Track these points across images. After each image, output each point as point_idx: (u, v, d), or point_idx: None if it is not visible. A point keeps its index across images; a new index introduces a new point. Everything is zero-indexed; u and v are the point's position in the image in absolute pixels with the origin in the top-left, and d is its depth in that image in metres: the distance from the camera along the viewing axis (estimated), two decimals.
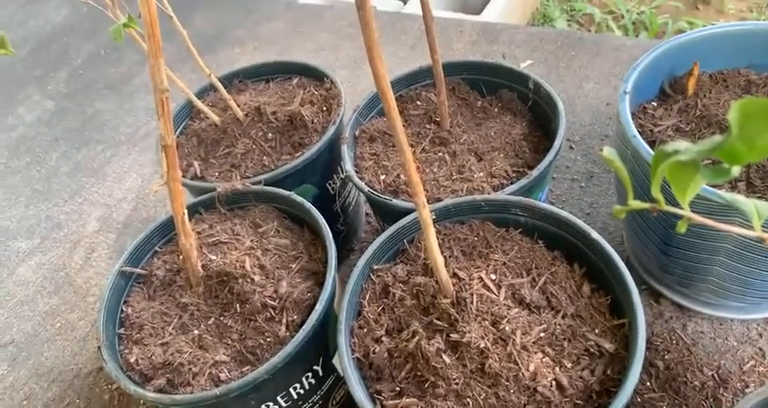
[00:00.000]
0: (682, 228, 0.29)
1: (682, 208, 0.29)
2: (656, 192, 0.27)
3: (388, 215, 0.69)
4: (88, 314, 0.94)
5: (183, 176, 0.79)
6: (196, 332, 0.60)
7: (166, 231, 0.70)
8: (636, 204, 0.27)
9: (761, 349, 0.65)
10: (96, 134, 1.30)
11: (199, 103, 0.81)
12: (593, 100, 1.02)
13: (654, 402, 0.63)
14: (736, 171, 0.26)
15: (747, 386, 0.62)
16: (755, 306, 0.64)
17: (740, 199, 0.31)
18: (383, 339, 0.54)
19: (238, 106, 0.81)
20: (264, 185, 0.70)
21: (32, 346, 0.90)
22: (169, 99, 0.54)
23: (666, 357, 0.65)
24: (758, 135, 0.23)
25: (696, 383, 0.63)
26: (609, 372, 0.47)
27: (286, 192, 0.67)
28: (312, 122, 0.77)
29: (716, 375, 0.63)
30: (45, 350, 0.89)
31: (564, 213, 0.55)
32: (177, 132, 0.86)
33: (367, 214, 0.95)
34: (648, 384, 0.64)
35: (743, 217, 0.50)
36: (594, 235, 0.52)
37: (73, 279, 1.00)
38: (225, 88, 0.82)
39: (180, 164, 0.81)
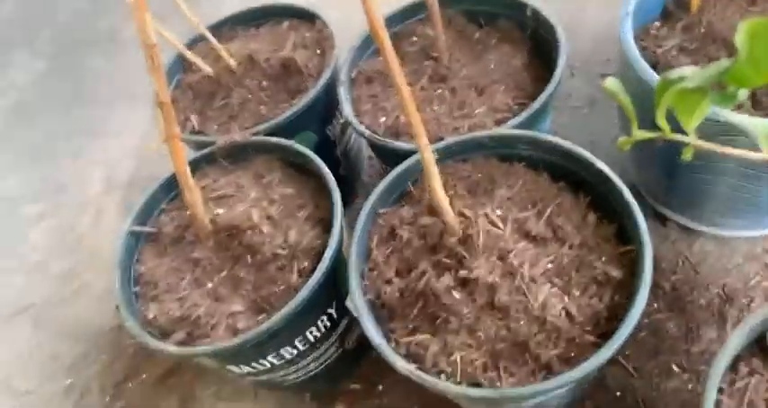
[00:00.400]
0: (687, 155, 0.29)
1: (687, 135, 0.28)
2: (661, 121, 0.26)
3: (390, 157, 0.68)
4: (103, 274, 0.96)
5: (182, 131, 0.78)
6: (210, 285, 0.61)
7: (171, 188, 0.70)
8: (641, 134, 0.27)
9: (766, 264, 0.66)
10: (90, 92, 1.28)
11: (190, 55, 0.79)
12: (596, 23, 0.99)
13: (661, 322, 0.64)
14: (743, 94, 0.25)
15: (752, 301, 0.63)
16: (760, 222, 0.65)
17: (747, 120, 0.30)
18: (393, 280, 0.55)
19: (230, 55, 0.79)
20: (264, 135, 0.70)
21: (52, 308, 0.93)
22: (159, 54, 0.53)
23: (672, 278, 0.67)
24: (766, 56, 0.23)
25: (702, 301, 0.64)
26: (617, 298, 0.48)
27: (287, 142, 0.67)
28: (306, 67, 0.76)
29: (722, 292, 0.64)
30: (65, 311, 0.92)
31: (568, 144, 0.54)
32: (171, 86, 0.85)
33: (369, 157, 0.94)
34: (655, 305, 0.66)
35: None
36: (599, 164, 0.51)
37: (84, 240, 1.01)
38: (215, 37, 0.80)
39: (177, 119, 0.80)
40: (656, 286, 0.67)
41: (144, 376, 0.82)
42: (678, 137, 0.27)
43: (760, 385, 0.40)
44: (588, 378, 0.54)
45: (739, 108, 0.55)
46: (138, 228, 0.67)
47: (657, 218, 0.72)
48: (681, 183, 0.61)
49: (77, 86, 1.30)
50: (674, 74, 0.25)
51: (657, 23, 0.65)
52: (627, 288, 0.48)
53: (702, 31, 0.61)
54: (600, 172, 0.51)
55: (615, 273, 0.48)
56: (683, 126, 0.27)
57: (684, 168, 0.58)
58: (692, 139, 0.27)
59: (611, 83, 0.27)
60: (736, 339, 0.41)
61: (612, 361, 0.64)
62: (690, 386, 0.60)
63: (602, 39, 0.96)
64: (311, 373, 0.66)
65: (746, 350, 0.43)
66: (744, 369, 0.42)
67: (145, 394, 0.81)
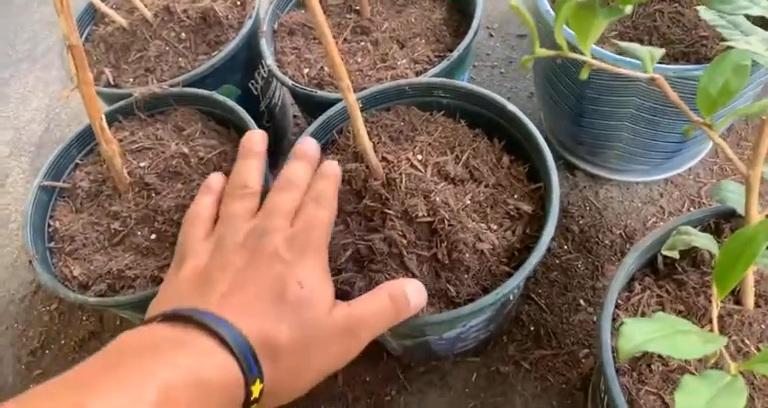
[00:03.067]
0: (584, 74, 0.31)
1: (585, 56, 0.31)
2: (558, 37, 0.29)
3: (314, 109, 0.68)
4: (13, 241, 0.91)
5: (96, 84, 0.74)
6: (132, 238, 0.60)
7: (85, 141, 0.67)
8: (542, 51, 0.29)
9: (662, 207, 0.72)
10: None
11: (102, 5, 0.75)
12: None
13: (571, 262, 0.69)
14: (628, 9, 0.28)
15: None
16: (657, 167, 0.71)
17: (635, 46, 0.33)
18: None
19: (146, 6, 0.76)
20: (183, 87, 0.68)
21: None
22: None
23: (581, 222, 0.72)
24: None
25: (606, 242, 0.70)
26: (528, 231, 0.51)
27: (206, 92, 0.65)
28: (227, 18, 0.74)
29: (623, 233, 0.70)
30: None
31: (482, 89, 0.57)
32: (82, 39, 0.80)
33: (295, 116, 0.94)
34: (565, 247, 0.71)
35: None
36: (510, 107, 0.54)
37: None
38: None
39: (90, 72, 0.77)
40: (566, 229, 0.72)
41: (62, 342, 0.79)
42: (574, 55, 0.30)
43: (651, 299, 0.45)
44: (503, 308, 0.58)
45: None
46: (49, 183, 0.64)
47: (567, 168, 0.77)
48: (586, 131, 0.66)
49: None
50: None
51: None
52: (537, 222, 0.52)
53: None
54: (512, 114, 0.54)
55: (526, 208, 0.52)
56: (580, 45, 0.30)
57: (589, 115, 0.63)
58: (587, 58, 0.30)
59: (516, 1, 0.29)
60: (630, 260, 0.45)
61: (527, 299, 0.68)
62: (594, 318, 0.65)
63: (520, 1, 0.99)
64: None
65: (640, 272, 0.48)
66: (638, 287, 0.46)
67: (63, 359, 0.78)
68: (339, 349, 0.38)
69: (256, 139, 0.51)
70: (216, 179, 0.52)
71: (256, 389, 0.33)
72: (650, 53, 0.32)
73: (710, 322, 0.34)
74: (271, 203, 0.43)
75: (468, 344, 0.61)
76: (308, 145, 0.52)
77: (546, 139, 0.79)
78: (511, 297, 0.55)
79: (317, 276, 0.39)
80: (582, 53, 0.30)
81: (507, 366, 0.65)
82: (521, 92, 0.88)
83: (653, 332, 0.28)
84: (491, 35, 0.96)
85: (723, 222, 0.47)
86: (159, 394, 0.29)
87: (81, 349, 0.79)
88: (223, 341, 0.32)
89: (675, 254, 0.42)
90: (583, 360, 0.63)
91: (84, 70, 0.54)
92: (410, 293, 0.42)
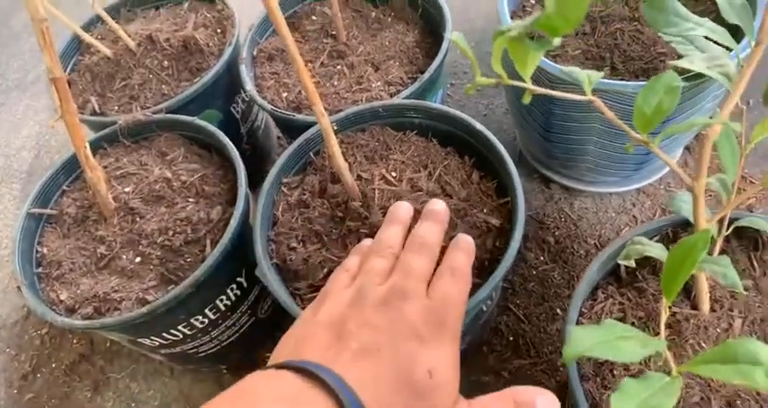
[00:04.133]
0: (526, 99, 0.34)
1: (525, 81, 0.33)
2: (496, 67, 0.31)
3: (293, 131, 0.71)
4: (4, 267, 0.93)
5: (81, 113, 0.77)
6: (117, 262, 0.61)
7: (72, 169, 0.69)
8: (482, 80, 0.32)
9: (634, 216, 0.74)
10: None
11: (87, 36, 0.78)
12: (487, 5, 1.05)
13: (547, 272, 0.71)
14: (557, 41, 0.30)
15: None
16: (628, 178, 0.73)
17: (575, 70, 0.36)
18: (298, 248, 0.57)
19: (129, 36, 0.79)
20: (166, 114, 0.70)
21: None
22: (50, 29, 0.53)
23: (556, 233, 0.74)
24: (570, 11, 0.27)
25: (581, 252, 0.72)
26: (497, 244, 0.53)
27: (188, 118, 0.68)
28: (208, 46, 0.77)
29: (597, 243, 0.72)
30: None
31: (452, 110, 0.59)
32: (68, 69, 0.83)
33: (279, 137, 0.96)
34: (542, 258, 0.72)
35: (611, 99, 0.56)
36: (478, 126, 0.57)
37: None
38: (113, 19, 0.79)
39: (76, 102, 0.79)
40: (542, 241, 0.74)
41: (53, 365, 0.81)
42: (515, 82, 0.32)
43: (613, 306, 0.47)
44: (477, 319, 0.60)
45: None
46: (37, 210, 0.66)
47: (543, 181, 0.79)
48: (557, 145, 0.68)
49: None
50: (505, 26, 0.29)
51: (533, 0, 0.71)
52: (506, 235, 0.54)
53: None
54: (479, 132, 0.56)
55: (494, 221, 0.54)
56: (520, 73, 0.32)
57: (558, 130, 0.65)
58: (527, 85, 0.32)
59: (457, 35, 0.32)
60: (592, 270, 0.47)
61: (506, 310, 0.70)
62: None
63: (494, 20, 1.02)
64: (225, 343, 0.67)
65: (605, 280, 0.50)
66: (601, 295, 0.48)
67: (55, 383, 0.79)
68: None
69: (404, 208, 0.51)
70: (366, 242, 0.52)
71: None
72: (588, 76, 0.34)
73: (663, 327, 0.36)
74: (407, 263, 0.42)
75: None
76: (438, 206, 0.50)
77: (521, 154, 0.82)
78: (484, 308, 0.57)
79: (448, 366, 0.36)
80: (523, 80, 0.32)
81: (487, 376, 0.66)
82: (497, 108, 0.90)
83: (596, 338, 0.30)
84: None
85: (681, 231, 0.49)
86: None
87: (72, 372, 0.80)
88: (341, 404, 0.32)
89: (631, 263, 0.44)
90: (560, 368, 0.65)
91: (67, 101, 0.56)
92: (540, 405, 0.37)
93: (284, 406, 0.31)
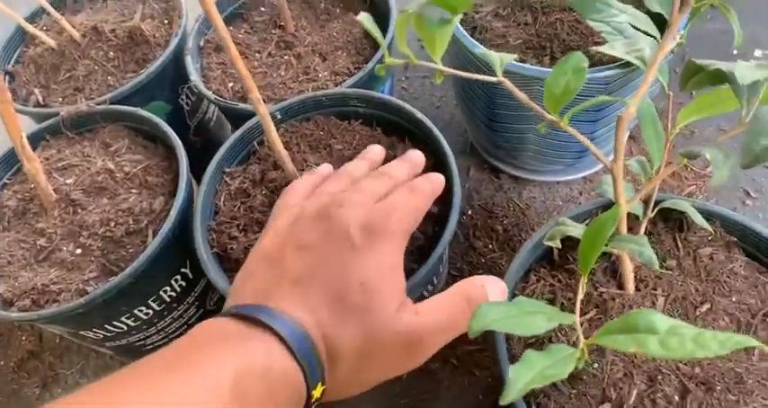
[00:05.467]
0: (438, 79, 0.34)
1: (436, 63, 0.34)
2: (401, 47, 0.31)
3: (240, 122, 0.70)
4: None
5: (25, 104, 0.75)
6: (57, 254, 0.61)
7: (12, 162, 0.68)
8: (391, 60, 0.32)
9: (581, 204, 0.75)
10: None
11: (30, 27, 0.76)
12: None
13: (495, 260, 0.72)
14: (456, 19, 0.31)
15: None
16: (573, 167, 0.74)
17: (490, 53, 0.36)
18: (239, 237, 0.57)
19: (74, 27, 0.77)
20: (111, 105, 0.69)
21: None
22: None
23: (505, 222, 0.75)
24: None
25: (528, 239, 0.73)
26: (437, 229, 0.54)
27: (131, 108, 0.67)
28: (154, 37, 0.76)
29: None
30: None
31: (393, 99, 0.60)
32: (12, 61, 0.81)
33: (233, 129, 0.96)
34: (491, 246, 0.73)
35: (541, 86, 0.57)
36: (418, 114, 0.57)
37: None
38: (58, 10, 0.78)
39: (19, 94, 0.78)
40: (491, 229, 0.75)
41: (1, 363, 0.79)
42: (426, 63, 0.33)
43: (544, 288, 0.48)
44: None
45: (540, 62, 0.63)
46: None
47: (492, 172, 0.80)
48: (500, 135, 0.69)
49: None
50: (408, 6, 0.30)
51: None
52: (445, 222, 0.54)
53: None
54: (419, 121, 0.57)
55: (434, 209, 0.54)
56: (431, 54, 0.32)
57: (500, 120, 0.66)
58: (437, 65, 0.32)
59: (362, 15, 0.32)
60: (523, 252, 0.48)
61: None
62: None
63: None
64: (173, 334, 0.67)
65: (538, 263, 0.51)
66: (533, 277, 0.49)
67: (3, 380, 0.78)
68: (400, 360, 0.35)
69: (376, 149, 0.51)
70: (325, 167, 0.51)
71: (318, 391, 0.33)
72: (500, 58, 0.35)
73: (581, 303, 0.37)
74: (360, 183, 0.40)
75: None
76: (415, 154, 0.50)
77: (471, 146, 0.83)
78: (425, 294, 0.58)
79: (382, 273, 0.35)
80: (434, 61, 0.32)
81: (435, 362, 0.67)
82: (450, 100, 0.91)
83: (502, 314, 0.31)
84: (422, 47, 0.99)
85: None
86: (232, 380, 0.29)
87: (20, 369, 0.78)
88: (285, 341, 0.31)
89: (557, 244, 0.45)
90: None
91: (1, 90, 0.55)
92: (492, 294, 0.37)
93: (231, 341, 0.31)
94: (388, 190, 0.41)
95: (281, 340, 0.32)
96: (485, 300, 0.37)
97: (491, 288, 0.37)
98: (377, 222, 0.36)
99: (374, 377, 0.36)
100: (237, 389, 0.29)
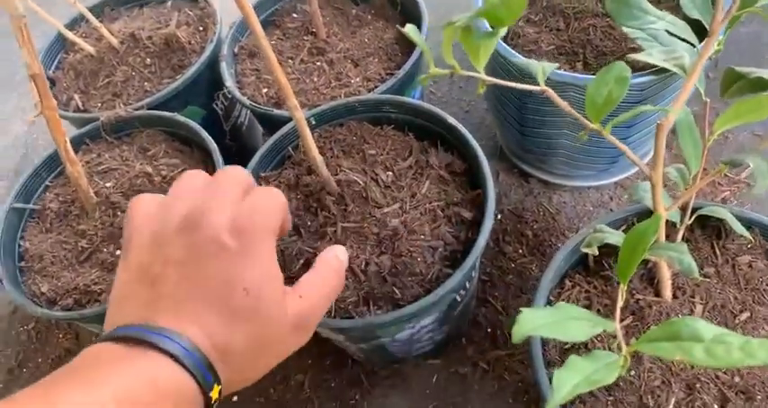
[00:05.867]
0: (480, 90, 0.35)
1: (479, 72, 0.34)
2: (447, 58, 0.32)
3: (274, 127, 0.71)
4: None
5: (65, 110, 0.78)
6: (98, 255, 0.62)
7: (54, 164, 0.70)
8: (435, 71, 0.33)
9: (612, 209, 0.75)
10: None
11: (70, 34, 0.79)
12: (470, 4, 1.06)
13: (525, 265, 0.72)
14: (502, 31, 0.31)
15: None
16: (605, 172, 0.74)
17: (532, 62, 0.37)
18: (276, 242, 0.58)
19: (112, 34, 0.80)
20: (148, 110, 0.71)
21: None
22: (28, 25, 0.54)
23: (535, 226, 0.75)
24: (512, 1, 0.28)
25: (559, 245, 0.73)
26: (470, 235, 0.54)
27: (169, 114, 0.69)
28: (189, 43, 0.78)
29: None
30: None
31: (426, 105, 0.60)
32: (53, 67, 0.84)
33: (263, 134, 0.97)
34: (521, 251, 0.74)
35: (576, 92, 0.57)
36: (451, 120, 0.58)
37: None
38: (97, 17, 0.80)
39: (60, 99, 0.80)
40: (521, 234, 0.75)
41: (39, 360, 0.81)
42: (470, 73, 0.33)
43: (580, 294, 0.48)
44: (451, 309, 0.61)
45: (573, 68, 0.63)
46: (20, 205, 0.66)
47: (522, 176, 0.80)
48: (531, 140, 0.69)
49: None
50: (455, 18, 0.30)
51: None
52: (478, 227, 0.55)
53: (545, 4, 0.69)
54: (452, 126, 0.57)
55: (467, 214, 0.55)
56: (473, 63, 0.33)
57: (532, 125, 0.66)
58: (481, 74, 0.33)
59: (409, 27, 0.33)
60: (559, 258, 0.48)
61: (484, 302, 0.71)
62: None
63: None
64: None
65: (573, 269, 0.51)
66: (568, 283, 0.49)
67: (41, 377, 0.79)
68: (292, 342, 0.38)
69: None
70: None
71: (215, 392, 0.34)
72: (542, 68, 0.35)
73: (619, 309, 0.37)
74: (211, 188, 0.39)
75: (424, 345, 0.64)
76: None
77: (501, 150, 0.83)
78: (458, 298, 0.58)
79: (262, 272, 0.36)
80: (477, 71, 0.33)
81: (466, 367, 0.67)
82: (479, 104, 0.91)
83: (545, 319, 0.31)
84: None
85: (646, 219, 0.50)
86: (118, 393, 0.29)
87: (58, 366, 0.80)
88: (175, 358, 0.32)
89: (594, 251, 0.45)
90: None
91: (46, 97, 0.57)
92: (341, 256, 0.42)
93: (115, 363, 0.31)
94: (244, 193, 0.40)
95: (169, 355, 0.32)
96: (342, 262, 0.42)
97: (340, 252, 0.42)
98: (244, 223, 0.36)
99: (269, 362, 0.38)
100: (125, 403, 0.29)
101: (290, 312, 0.37)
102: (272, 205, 0.39)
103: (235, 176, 0.42)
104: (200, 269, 0.35)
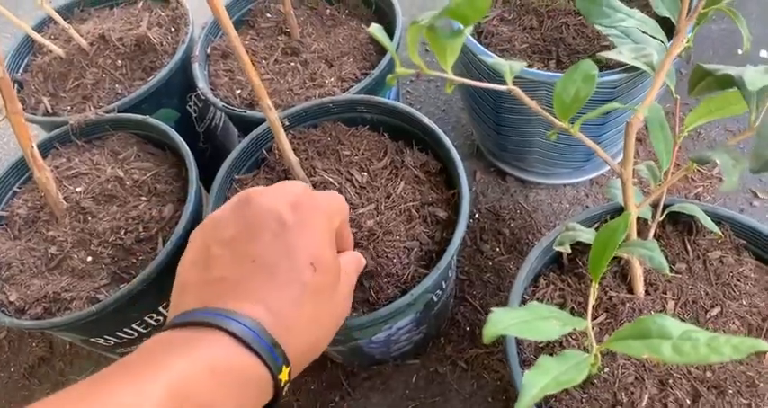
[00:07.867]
0: (448, 89, 0.34)
1: (447, 72, 0.34)
2: (413, 57, 0.31)
3: (248, 128, 0.70)
4: None
5: (34, 113, 0.76)
6: (68, 262, 0.61)
7: (22, 170, 0.68)
8: (402, 70, 0.32)
9: (588, 206, 0.76)
10: None
11: (37, 36, 0.77)
12: (442, 1, 1.06)
13: (503, 263, 0.72)
14: (468, 30, 0.31)
15: None
16: (580, 170, 0.74)
17: (499, 61, 0.36)
18: None
19: (82, 36, 0.78)
20: (119, 113, 0.70)
21: None
22: None
23: (512, 225, 0.75)
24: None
25: (536, 243, 0.73)
26: (445, 235, 0.54)
27: (140, 116, 0.67)
28: (161, 44, 0.76)
29: None
30: None
31: (400, 105, 0.60)
32: (20, 70, 0.82)
33: (239, 136, 0.96)
34: (498, 249, 0.74)
35: (548, 90, 0.58)
36: (425, 120, 0.57)
37: None
38: (65, 19, 0.79)
39: (28, 103, 0.78)
40: (498, 233, 0.75)
41: (12, 369, 0.80)
42: (437, 73, 0.33)
43: (554, 292, 0.48)
44: (428, 309, 0.61)
45: (546, 66, 0.63)
46: None
47: (499, 174, 0.80)
48: (507, 138, 0.69)
49: None
50: (419, 17, 0.30)
51: None
52: (453, 227, 0.54)
53: (519, 2, 0.69)
54: (426, 127, 0.57)
55: (442, 214, 0.55)
56: (442, 65, 0.33)
57: (507, 123, 0.66)
58: (448, 75, 0.33)
59: (374, 27, 0.32)
60: (532, 257, 0.48)
61: (462, 301, 0.71)
62: None
63: None
64: None
65: (548, 268, 0.51)
66: (543, 282, 0.49)
67: (14, 386, 0.78)
68: (344, 314, 0.39)
69: None
70: None
71: (284, 374, 0.33)
72: (509, 67, 0.35)
73: (591, 307, 0.37)
74: (273, 187, 0.39)
75: (402, 346, 0.63)
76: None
77: (478, 149, 0.84)
78: (434, 298, 0.58)
79: (324, 247, 0.35)
80: (444, 70, 0.33)
81: (445, 366, 0.67)
82: (456, 104, 0.91)
83: (516, 319, 0.31)
84: (427, 50, 1.00)
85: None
86: (171, 386, 0.28)
87: (30, 375, 0.79)
88: (236, 336, 0.31)
89: (566, 249, 0.45)
90: None
91: (12, 101, 0.56)
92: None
93: (175, 348, 0.30)
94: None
95: (233, 335, 0.31)
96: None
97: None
98: (304, 200, 0.36)
99: (327, 335, 0.38)
100: (180, 395, 0.28)
101: (344, 283, 0.38)
102: (333, 197, 0.40)
103: (293, 183, 0.43)
104: (258, 245, 0.34)
